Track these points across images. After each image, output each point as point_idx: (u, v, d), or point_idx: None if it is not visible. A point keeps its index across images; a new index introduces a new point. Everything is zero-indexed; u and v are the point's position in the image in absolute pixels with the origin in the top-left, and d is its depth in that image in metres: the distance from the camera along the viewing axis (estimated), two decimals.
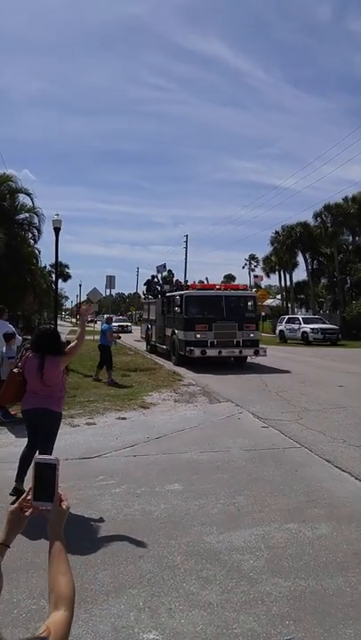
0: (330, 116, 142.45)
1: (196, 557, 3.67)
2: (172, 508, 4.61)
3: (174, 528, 4.17)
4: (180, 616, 2.95)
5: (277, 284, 53.92)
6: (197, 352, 15.31)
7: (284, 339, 30.52)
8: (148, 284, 22.87)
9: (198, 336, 15.62)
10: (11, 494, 4.65)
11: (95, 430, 7.62)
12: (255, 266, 64.29)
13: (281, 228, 45.86)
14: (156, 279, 22.73)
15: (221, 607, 3.04)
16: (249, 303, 17.20)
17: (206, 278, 19.98)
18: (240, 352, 16.09)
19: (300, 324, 29.67)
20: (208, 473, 5.62)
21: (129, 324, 49.63)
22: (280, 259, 46.55)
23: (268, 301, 47.43)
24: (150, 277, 23.14)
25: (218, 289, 17.21)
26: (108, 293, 20.47)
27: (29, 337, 19.86)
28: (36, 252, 29.23)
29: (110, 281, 18.11)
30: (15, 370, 5.00)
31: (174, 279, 21.98)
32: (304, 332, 28.68)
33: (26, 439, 5.03)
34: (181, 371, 15.10)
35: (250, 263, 67.51)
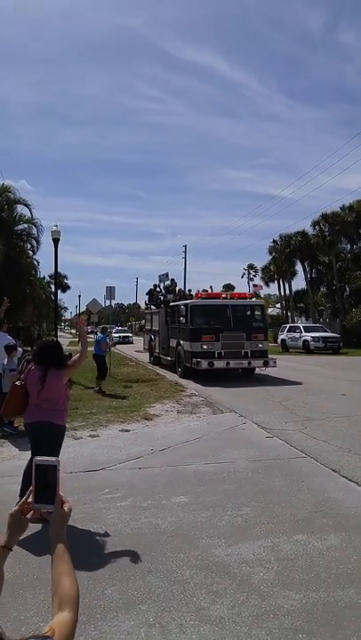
0: (324, 126, 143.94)
1: (206, 571, 3.62)
2: (180, 521, 4.56)
3: (182, 541, 4.13)
4: (192, 632, 2.90)
5: (276, 294, 53.98)
6: (204, 364, 14.68)
7: (285, 348, 30.47)
8: (151, 293, 22.37)
9: (205, 347, 15.04)
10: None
11: (99, 443, 7.57)
12: (254, 275, 64.31)
13: (279, 237, 46.07)
14: (158, 288, 22.24)
15: (233, 622, 2.99)
16: (257, 312, 16.64)
17: (210, 287, 19.69)
18: (249, 363, 15.42)
19: (301, 332, 29.65)
20: (214, 484, 5.58)
21: (130, 334, 49.22)
22: (279, 268, 46.66)
23: (269, 310, 47.42)
24: (152, 287, 22.65)
25: (224, 298, 16.67)
26: (108, 304, 20.29)
27: (29, 349, 19.79)
28: (35, 262, 29.35)
29: (110, 292, 17.96)
30: (18, 383, 4.97)
31: (177, 288, 21.49)
32: (305, 341, 28.64)
33: (29, 452, 5.00)
34: (184, 382, 15.04)
35: (248, 272, 67.55)
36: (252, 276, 65.82)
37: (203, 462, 6.46)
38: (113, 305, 21.64)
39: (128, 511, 4.81)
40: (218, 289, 21.95)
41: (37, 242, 27.32)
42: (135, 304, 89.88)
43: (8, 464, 6.44)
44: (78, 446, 7.24)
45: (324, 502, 5.00)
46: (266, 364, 15.46)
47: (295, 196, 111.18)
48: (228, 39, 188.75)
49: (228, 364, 14.99)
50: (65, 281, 66.57)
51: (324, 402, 11.15)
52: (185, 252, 54.84)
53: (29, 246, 27.90)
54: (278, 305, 55.50)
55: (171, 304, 18.61)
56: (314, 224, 41.73)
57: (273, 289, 54.32)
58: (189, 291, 19.75)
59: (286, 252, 44.48)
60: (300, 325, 32.82)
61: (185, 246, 55.25)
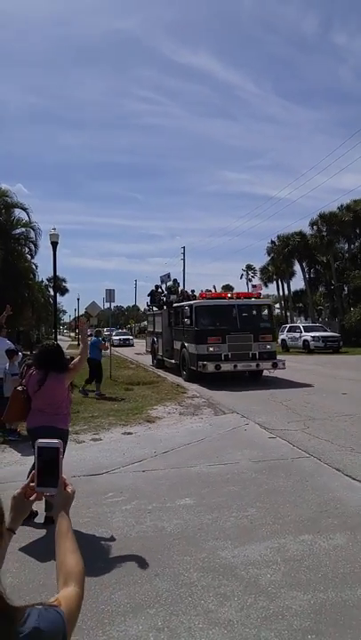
0: (320, 127, 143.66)
1: (213, 573, 3.61)
2: (185, 524, 4.55)
3: (188, 544, 4.12)
4: (201, 635, 2.89)
5: (275, 294, 54.01)
6: (211, 367, 14.04)
7: (286, 347, 30.46)
8: (152, 294, 21.93)
9: (211, 349, 14.40)
10: None
11: (101, 446, 7.55)
12: (252, 276, 64.39)
13: (277, 237, 46.12)
14: (160, 289, 21.76)
15: (241, 624, 2.98)
16: (264, 312, 16.15)
17: (214, 287, 19.51)
18: (257, 365, 14.76)
19: (301, 332, 29.65)
20: (218, 486, 5.57)
21: (130, 337, 49.11)
22: (277, 268, 46.72)
23: None
24: (154, 288, 22.19)
25: (230, 297, 16.11)
26: (107, 307, 20.21)
27: (29, 353, 19.73)
28: (33, 266, 29.35)
29: (110, 294, 17.90)
30: (19, 388, 4.96)
31: (180, 289, 20.88)
32: (305, 341, 28.65)
33: (31, 457, 4.97)
34: (186, 384, 15.00)
35: (247, 273, 67.64)
36: (250, 276, 65.91)
37: (206, 464, 6.45)
38: (112, 307, 21.49)
39: (133, 514, 4.79)
40: (218, 290, 21.66)
41: (35, 245, 27.40)
42: (134, 306, 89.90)
43: (10, 469, 6.42)
44: (81, 450, 7.23)
45: (328, 502, 5.00)
46: (275, 366, 14.80)
47: (293, 196, 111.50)
48: (222, 41, 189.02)
49: (235, 366, 14.38)
50: (63, 284, 66.57)
51: (326, 401, 11.15)
52: (184, 253, 54.89)
53: (27, 250, 27.97)
54: (277, 305, 55.53)
55: (174, 305, 18.09)
56: (312, 224, 41.83)
57: (272, 289, 54.33)
58: (192, 291, 19.18)
59: (285, 253, 44.54)
60: (300, 325, 32.84)
61: (183, 248, 55.29)
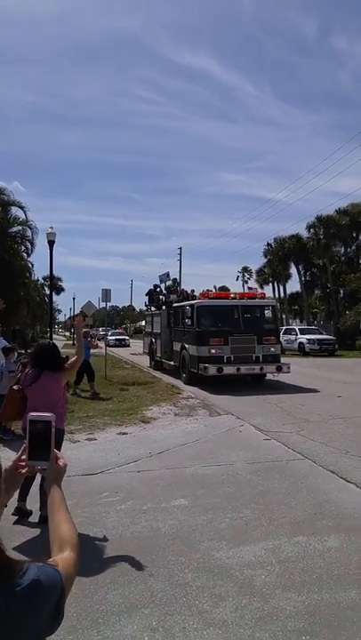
0: (319, 131, 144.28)
1: (207, 574, 3.62)
2: (180, 524, 4.55)
3: (183, 544, 4.12)
4: (195, 635, 2.89)
5: (271, 296, 54.13)
6: (213, 370, 13.40)
7: (281, 350, 30.47)
8: (151, 294, 21.31)
9: (213, 351, 13.81)
10: (13, 514, 4.57)
11: (96, 446, 7.54)
12: (248, 278, 64.49)
13: (274, 240, 46.26)
14: (158, 289, 21.16)
15: (236, 625, 2.99)
16: (268, 313, 15.62)
17: (215, 287, 19.38)
18: (261, 369, 14.16)
19: (296, 334, 29.71)
20: (213, 487, 5.57)
21: (127, 337, 48.70)
22: (273, 270, 46.89)
23: None
24: (152, 287, 21.53)
25: (233, 297, 15.50)
26: (103, 307, 20.17)
27: (23, 351, 19.61)
28: (29, 265, 29.30)
29: (106, 294, 17.87)
30: (15, 387, 4.95)
31: (179, 289, 20.12)
32: (301, 343, 28.70)
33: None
34: (181, 384, 14.99)
35: (243, 275, 67.71)
36: (246, 278, 65.96)
37: (201, 465, 6.46)
38: (108, 307, 21.41)
39: (128, 514, 4.79)
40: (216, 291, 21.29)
41: (32, 244, 27.36)
42: (130, 306, 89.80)
43: None
44: (76, 449, 7.21)
45: (323, 504, 5.01)
46: (279, 370, 14.24)
47: (290, 199, 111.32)
48: (222, 43, 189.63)
49: (238, 369, 13.71)
50: (59, 283, 66.55)
51: (321, 404, 11.18)
52: (180, 254, 54.84)
53: (24, 248, 27.91)
54: None
55: (174, 305, 17.49)
56: (309, 227, 42.02)
57: (268, 291, 54.29)
58: (192, 291, 18.59)
59: (281, 255, 44.69)
60: (296, 328, 32.90)
61: (180, 249, 55.17)
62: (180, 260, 54.14)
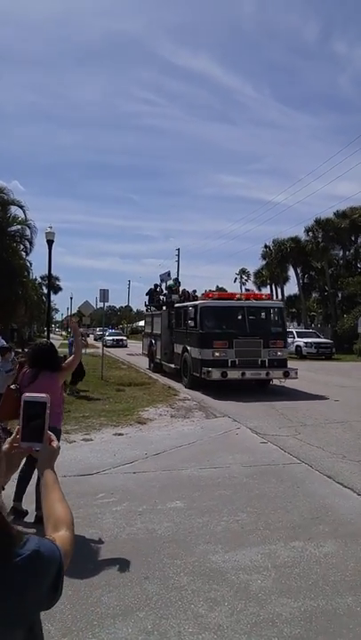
0: (318, 134, 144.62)
1: (203, 578, 3.60)
2: (176, 527, 4.53)
3: (179, 547, 4.10)
4: (191, 639, 2.87)
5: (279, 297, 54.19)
6: (216, 374, 12.84)
7: None
8: (151, 293, 20.89)
9: (217, 354, 13.25)
10: (9, 514, 4.53)
11: (92, 446, 7.52)
12: (246, 280, 64.55)
13: (272, 242, 46.25)
14: (159, 288, 20.78)
15: (232, 629, 2.97)
16: (276, 315, 14.95)
17: (217, 287, 19.21)
18: (267, 374, 13.55)
19: (294, 337, 29.70)
20: (209, 490, 5.55)
21: (124, 338, 48.40)
22: (271, 273, 46.83)
23: None
24: (153, 286, 21.10)
25: (238, 298, 14.96)
26: (100, 307, 20.07)
27: (20, 350, 19.52)
28: (28, 264, 29.24)
29: (104, 294, 17.80)
30: (12, 386, 4.92)
31: (181, 288, 19.46)
32: (298, 346, 28.71)
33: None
34: (177, 385, 14.96)
35: (241, 277, 67.72)
36: (244, 280, 66.02)
37: (197, 467, 6.44)
38: (105, 307, 21.33)
39: (124, 516, 4.77)
40: None
41: (31, 243, 27.32)
42: (127, 307, 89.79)
43: None
44: (72, 450, 7.18)
45: (319, 509, 5.00)
46: (286, 375, 13.56)
47: (289, 201, 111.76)
48: (223, 45, 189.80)
49: (243, 374, 13.14)
50: (57, 282, 66.40)
51: (318, 408, 11.18)
52: (178, 255, 54.81)
53: (22, 247, 27.86)
54: None
55: (176, 305, 16.90)
56: (307, 230, 42.00)
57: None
58: (194, 291, 18.27)
59: (279, 258, 44.68)
60: (293, 331, 32.93)
61: (178, 250, 55.15)
62: (178, 261, 54.14)
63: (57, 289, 67.80)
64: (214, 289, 18.68)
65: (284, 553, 4.01)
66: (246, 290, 30.34)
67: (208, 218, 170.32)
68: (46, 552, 1.04)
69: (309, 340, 28.92)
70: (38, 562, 1.01)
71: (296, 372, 13.79)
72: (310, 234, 41.87)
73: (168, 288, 19.76)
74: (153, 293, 20.90)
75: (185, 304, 15.95)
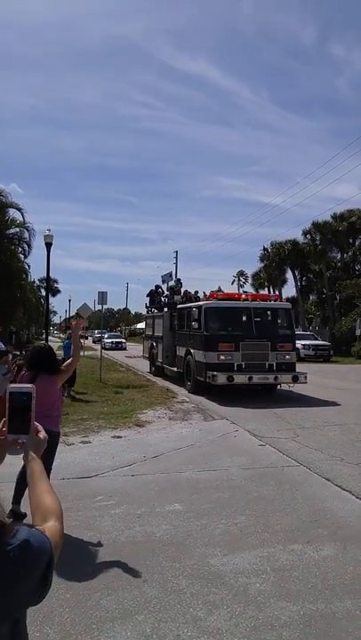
0: (316, 137, 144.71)
1: (202, 581, 3.59)
2: (174, 529, 4.52)
3: (177, 550, 4.09)
4: None
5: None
6: (222, 378, 12.22)
7: None
8: (152, 295, 20.42)
9: (222, 357, 12.64)
10: (7, 517, 4.52)
11: (91, 449, 7.50)
12: (244, 282, 64.69)
13: (270, 244, 46.34)
14: (160, 290, 20.30)
15: (230, 633, 2.97)
16: (283, 317, 14.36)
17: (219, 288, 19.06)
18: (275, 378, 12.97)
19: None
20: (208, 492, 5.55)
21: (123, 340, 48.13)
22: (269, 275, 46.92)
23: None
24: (154, 288, 20.60)
25: (244, 299, 14.41)
26: (99, 309, 20.02)
27: (18, 352, 19.46)
28: (26, 266, 29.24)
29: (102, 297, 17.76)
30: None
31: (182, 290, 18.69)
32: (296, 349, 28.68)
33: (21, 457, 4.92)
34: (175, 388, 14.94)
35: (239, 279, 67.89)
36: (242, 282, 66.12)
37: (196, 470, 6.43)
38: (104, 310, 21.29)
39: (122, 519, 4.76)
40: None
41: (29, 246, 27.30)
42: (125, 309, 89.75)
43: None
44: (70, 452, 7.17)
45: (318, 512, 5.00)
46: (295, 380, 12.97)
47: (287, 204, 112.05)
48: (221, 48, 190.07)
49: (250, 378, 12.52)
50: (55, 285, 66.32)
51: (316, 410, 11.18)
52: (176, 257, 54.81)
53: (20, 250, 27.83)
54: None
55: (178, 306, 16.32)
56: (305, 233, 42.11)
57: None
58: (196, 292, 17.73)
59: (277, 260, 44.75)
60: None
61: (176, 252, 55.15)
62: (176, 263, 54.13)
63: (55, 291, 67.75)
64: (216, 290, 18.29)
65: (283, 556, 4.01)
66: (244, 292, 30.29)
67: (206, 220, 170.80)
68: (37, 542, 1.03)
69: (307, 342, 28.91)
70: (29, 552, 1.00)
71: (306, 377, 13.21)
72: (308, 236, 41.98)
73: (170, 289, 19.19)
74: (154, 295, 20.46)
75: (188, 305, 15.34)
